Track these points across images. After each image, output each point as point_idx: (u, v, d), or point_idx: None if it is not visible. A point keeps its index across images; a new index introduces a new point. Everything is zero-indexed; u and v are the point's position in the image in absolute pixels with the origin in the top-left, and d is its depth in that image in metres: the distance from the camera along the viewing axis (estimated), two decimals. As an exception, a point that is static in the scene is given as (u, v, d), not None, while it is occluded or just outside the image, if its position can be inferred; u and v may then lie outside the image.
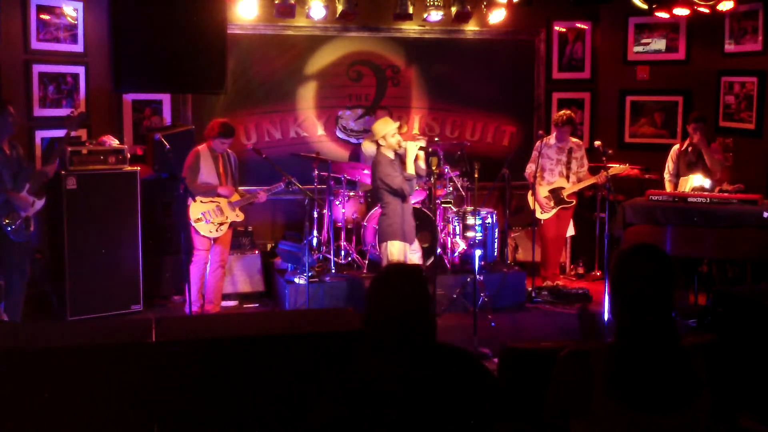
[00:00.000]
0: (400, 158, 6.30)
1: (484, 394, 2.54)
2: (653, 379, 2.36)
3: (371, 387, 2.44)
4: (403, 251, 6.30)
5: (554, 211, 7.84)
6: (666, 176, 7.79)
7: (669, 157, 7.79)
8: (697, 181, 7.26)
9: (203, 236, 6.68)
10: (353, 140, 8.50)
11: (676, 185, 7.56)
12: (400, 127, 6.51)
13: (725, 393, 3.98)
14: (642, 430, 2.35)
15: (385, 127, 6.27)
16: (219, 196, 6.73)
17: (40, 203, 6.10)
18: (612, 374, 2.37)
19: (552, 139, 7.82)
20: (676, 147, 7.81)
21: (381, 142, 6.25)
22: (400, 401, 2.42)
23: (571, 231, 8.17)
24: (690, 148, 7.66)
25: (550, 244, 7.97)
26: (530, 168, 7.83)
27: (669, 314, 2.42)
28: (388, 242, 6.27)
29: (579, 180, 7.83)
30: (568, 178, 7.83)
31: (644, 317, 2.41)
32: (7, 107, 5.93)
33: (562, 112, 7.96)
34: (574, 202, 7.88)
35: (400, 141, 6.26)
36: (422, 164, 6.37)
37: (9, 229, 5.84)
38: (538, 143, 7.88)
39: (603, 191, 7.91)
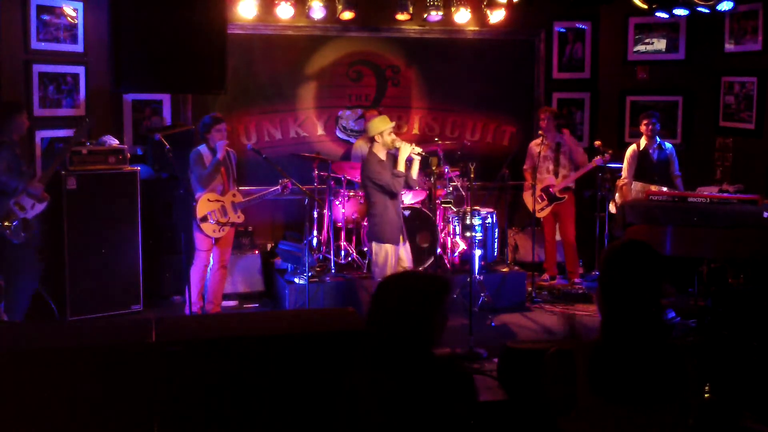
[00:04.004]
0: (393, 158, 6.27)
1: (462, 420, 2.52)
2: (634, 374, 2.38)
3: (360, 398, 2.43)
4: (390, 253, 6.23)
5: (548, 208, 7.86)
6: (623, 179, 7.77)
7: (626, 158, 7.76)
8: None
9: (206, 236, 6.67)
10: (353, 140, 8.49)
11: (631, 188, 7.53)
12: (399, 128, 6.50)
13: (726, 393, 3.98)
14: (625, 424, 2.37)
15: (382, 125, 6.26)
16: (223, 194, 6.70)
17: (40, 206, 6.10)
18: (594, 369, 2.39)
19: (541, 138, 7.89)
20: (633, 147, 7.79)
21: (377, 138, 6.23)
22: (387, 415, 2.41)
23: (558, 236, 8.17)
24: (651, 150, 7.65)
25: (549, 243, 8.04)
26: (526, 167, 7.98)
27: (655, 311, 2.44)
28: (374, 243, 6.27)
29: (565, 175, 7.85)
30: (556, 174, 7.85)
31: (629, 313, 2.43)
32: (23, 110, 6.21)
33: (542, 108, 8.01)
34: (566, 198, 7.87)
35: (396, 140, 6.24)
36: (414, 173, 6.29)
37: (6, 232, 5.86)
38: (530, 144, 8.00)
39: (603, 190, 7.94)
